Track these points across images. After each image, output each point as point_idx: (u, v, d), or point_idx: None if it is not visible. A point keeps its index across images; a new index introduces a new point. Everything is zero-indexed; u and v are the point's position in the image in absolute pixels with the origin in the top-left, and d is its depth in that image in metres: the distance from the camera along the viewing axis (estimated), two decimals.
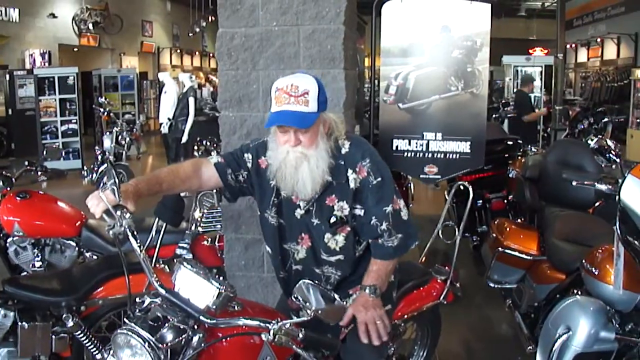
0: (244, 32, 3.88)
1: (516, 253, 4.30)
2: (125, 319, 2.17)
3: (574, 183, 3.54)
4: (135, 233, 2.28)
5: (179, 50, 26.60)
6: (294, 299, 1.97)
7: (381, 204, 2.60)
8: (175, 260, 2.42)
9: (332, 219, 2.64)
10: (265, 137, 2.76)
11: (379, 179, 2.60)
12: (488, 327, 5.30)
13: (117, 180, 2.29)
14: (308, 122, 2.50)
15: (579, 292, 3.41)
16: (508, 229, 4.52)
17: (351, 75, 4.05)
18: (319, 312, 1.91)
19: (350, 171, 2.62)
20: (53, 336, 3.56)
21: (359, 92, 6.53)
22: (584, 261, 3.29)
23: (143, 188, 2.53)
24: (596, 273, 3.12)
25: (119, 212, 2.26)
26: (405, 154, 4.57)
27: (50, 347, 3.56)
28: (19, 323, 3.44)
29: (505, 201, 6.48)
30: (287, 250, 2.80)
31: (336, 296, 1.95)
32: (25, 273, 4.91)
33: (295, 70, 3.79)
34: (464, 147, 4.48)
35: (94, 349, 3.61)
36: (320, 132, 2.58)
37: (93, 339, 3.62)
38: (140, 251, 2.26)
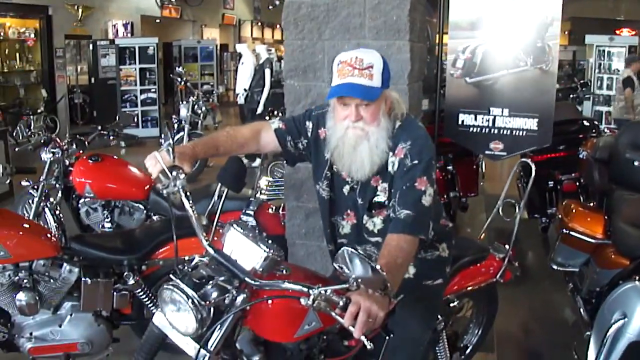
0: (310, 2, 3.89)
1: (581, 235, 4.18)
2: (171, 275, 2.23)
3: (636, 163, 3.41)
4: (188, 194, 2.34)
5: (259, 23, 26.74)
6: (336, 267, 1.97)
7: (404, 180, 2.45)
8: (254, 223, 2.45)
9: (376, 199, 2.59)
10: (328, 105, 2.68)
11: (415, 161, 2.45)
12: (549, 310, 5.19)
13: (172, 142, 2.33)
14: (373, 95, 2.42)
15: (638, 279, 3.30)
16: (574, 211, 4.41)
17: (418, 48, 4.00)
18: (359, 280, 1.91)
19: (390, 154, 2.52)
20: (114, 293, 3.68)
21: (429, 66, 6.45)
22: None
23: (200, 150, 2.57)
24: None
25: (174, 173, 2.32)
26: (471, 129, 4.50)
27: (112, 303, 3.68)
28: (83, 279, 3.55)
29: (577, 183, 6.31)
30: (334, 224, 2.79)
31: (378, 266, 1.93)
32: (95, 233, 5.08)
33: (360, 41, 3.80)
34: (532, 124, 4.37)
35: (153, 307, 3.72)
36: (382, 109, 2.49)
37: (153, 297, 3.74)
38: (192, 211, 2.31)
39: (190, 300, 2.10)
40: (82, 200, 5.16)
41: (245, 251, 2.24)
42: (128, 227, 5.09)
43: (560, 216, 4.50)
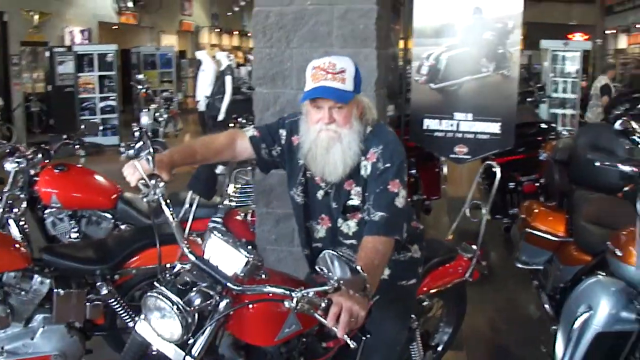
0: (279, 11, 3.94)
1: (544, 234, 4.32)
2: (155, 283, 2.25)
3: (597, 164, 3.53)
4: (168, 202, 2.37)
5: (217, 30, 26.61)
6: (318, 269, 2.02)
7: (377, 183, 2.53)
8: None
9: (349, 202, 2.65)
10: (300, 113, 2.74)
11: (388, 164, 2.53)
12: (515, 308, 5.34)
13: (152, 150, 2.36)
14: (345, 98, 2.49)
15: (604, 274, 3.42)
16: (536, 211, 4.54)
17: (384, 55, 4.09)
18: (342, 282, 1.96)
19: (362, 158, 2.59)
20: (87, 303, 3.63)
21: (394, 72, 6.54)
22: (608, 243, 3.30)
23: (177, 158, 2.60)
24: (620, 254, 3.13)
25: (153, 181, 2.35)
26: (436, 133, 4.59)
27: (85, 314, 3.63)
28: (55, 290, 3.50)
29: (537, 184, 6.48)
30: (309, 228, 2.84)
31: (359, 267, 1.99)
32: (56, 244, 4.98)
33: (327, 49, 3.86)
34: (494, 128, 4.48)
35: (127, 316, 3.73)
36: (354, 113, 2.56)
37: (126, 307, 3.73)
38: (173, 219, 2.35)
39: (175, 306, 2.12)
40: (48, 211, 5.06)
41: (226, 257, 2.27)
42: (95, 237, 5.03)
43: (523, 216, 4.62)
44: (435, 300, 3.70)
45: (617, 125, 3.68)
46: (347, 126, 2.54)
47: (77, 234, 5.03)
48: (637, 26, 19.34)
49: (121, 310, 3.73)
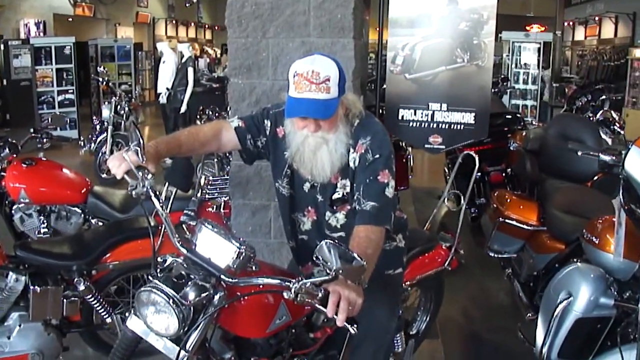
0: (254, 0, 3.91)
1: (516, 223, 4.36)
2: (149, 277, 2.22)
3: (579, 153, 3.59)
4: (157, 193, 2.34)
5: (174, 21, 26.33)
6: (315, 259, 2.01)
7: (367, 173, 2.55)
8: (193, 222, 2.46)
9: (335, 196, 2.67)
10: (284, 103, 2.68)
11: (377, 155, 2.55)
12: (487, 296, 5.42)
13: (141, 142, 2.32)
14: (330, 110, 2.46)
15: (579, 262, 3.48)
16: (509, 200, 4.59)
17: (360, 45, 4.10)
18: (340, 271, 1.96)
19: (351, 150, 2.60)
20: (64, 300, 3.59)
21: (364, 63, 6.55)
22: (584, 231, 3.35)
23: (163, 150, 2.56)
24: (597, 242, 3.18)
25: (141, 173, 2.31)
26: (411, 123, 4.60)
27: (61, 311, 3.59)
28: (31, 287, 3.46)
29: (504, 174, 6.56)
30: (294, 220, 2.85)
31: (356, 255, 2.00)
32: (30, 240, 4.90)
33: (304, 39, 3.85)
34: (469, 118, 4.51)
35: (104, 312, 3.69)
36: (340, 115, 2.56)
37: (103, 303, 3.69)
38: (163, 210, 2.32)
39: (171, 300, 2.10)
40: (15, 206, 4.99)
41: (217, 248, 2.24)
42: (65, 232, 4.98)
43: (495, 205, 4.67)
44: (414, 289, 3.74)
45: (598, 115, 3.79)
46: (332, 130, 2.55)
47: (47, 230, 4.97)
48: (595, 18, 19.68)
49: (99, 306, 3.69)
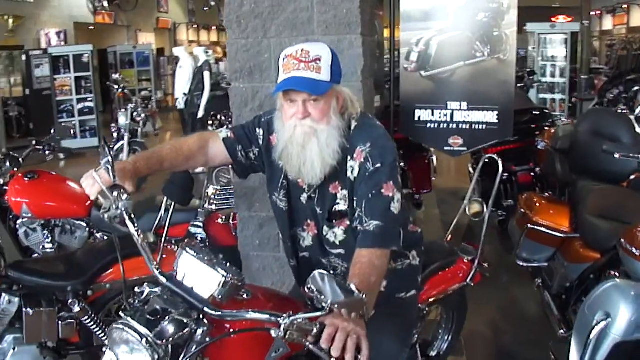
0: None
1: (546, 230, 4.08)
2: (121, 313, 1.97)
3: (616, 156, 3.29)
4: (132, 216, 2.08)
5: (195, 26, 26.49)
6: (307, 290, 1.76)
7: (369, 186, 2.26)
8: (179, 245, 2.21)
9: (336, 208, 2.40)
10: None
11: (378, 165, 2.27)
12: (516, 308, 5.11)
13: (111, 159, 2.08)
14: (321, 89, 2.22)
15: (616, 274, 3.18)
16: (538, 204, 4.32)
17: (369, 42, 3.84)
18: (336, 305, 1.71)
19: (349, 158, 2.33)
20: (59, 322, 3.46)
21: (379, 61, 6.31)
22: (622, 240, 3.07)
23: (142, 167, 2.32)
24: (637, 254, 2.90)
25: (115, 193, 2.06)
26: (428, 125, 4.37)
27: (57, 333, 3.46)
28: (24, 309, 3.34)
29: (533, 174, 6.25)
30: (294, 236, 2.58)
31: (353, 287, 1.73)
32: (36, 255, 4.83)
33: (309, 37, 3.60)
34: (491, 117, 4.26)
35: (102, 334, 3.52)
36: (333, 106, 2.30)
37: (101, 324, 3.53)
38: (138, 236, 2.06)
39: (144, 339, 1.85)
40: (19, 221, 4.87)
41: (200, 276, 1.99)
42: (70, 246, 4.84)
43: (522, 210, 4.40)
44: (434, 307, 3.45)
45: (638, 112, 3.54)
46: (324, 121, 2.28)
47: (52, 244, 4.84)
48: (623, 6, 19.31)
49: (96, 327, 3.52)
